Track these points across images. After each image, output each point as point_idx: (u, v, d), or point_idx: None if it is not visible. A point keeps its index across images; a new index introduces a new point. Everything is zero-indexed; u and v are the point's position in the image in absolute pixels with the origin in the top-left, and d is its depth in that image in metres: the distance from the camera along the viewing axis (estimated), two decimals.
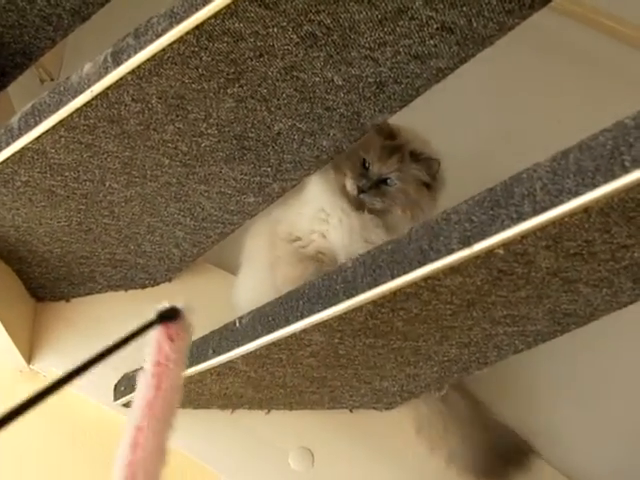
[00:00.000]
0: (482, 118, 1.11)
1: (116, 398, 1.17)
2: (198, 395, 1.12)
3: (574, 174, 0.60)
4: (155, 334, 0.62)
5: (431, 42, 0.80)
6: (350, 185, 1.06)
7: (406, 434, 1.21)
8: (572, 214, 0.61)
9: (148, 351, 0.63)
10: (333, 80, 0.86)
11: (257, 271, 1.19)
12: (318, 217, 1.10)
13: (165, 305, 0.65)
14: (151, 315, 0.60)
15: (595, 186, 0.59)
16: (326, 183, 1.09)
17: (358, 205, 1.07)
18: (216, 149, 0.96)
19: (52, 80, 1.50)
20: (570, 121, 1.36)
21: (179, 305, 0.66)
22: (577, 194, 0.60)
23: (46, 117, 0.90)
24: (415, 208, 1.09)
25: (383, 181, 1.07)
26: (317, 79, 0.85)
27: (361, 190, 1.06)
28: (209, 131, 0.93)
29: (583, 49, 1.53)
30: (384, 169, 1.06)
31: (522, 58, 1.28)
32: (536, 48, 1.38)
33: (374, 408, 1.22)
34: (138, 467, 0.53)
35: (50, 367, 1.20)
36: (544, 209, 0.62)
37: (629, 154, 0.56)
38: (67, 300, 1.28)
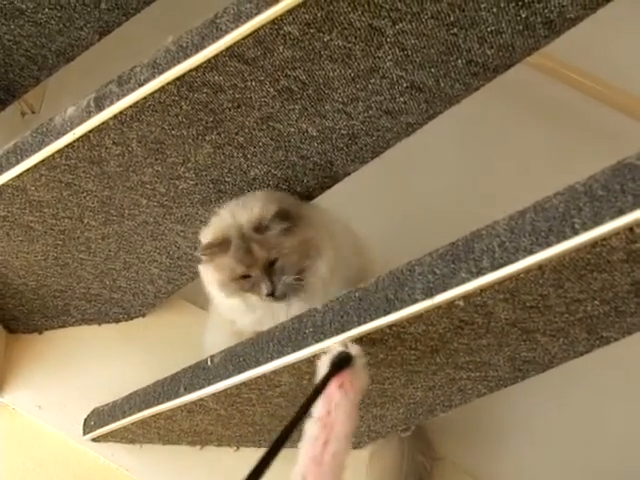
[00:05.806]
0: (452, 168, 1.15)
1: (85, 432, 1.17)
2: (168, 431, 1.12)
3: (529, 233, 0.64)
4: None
5: (401, 99, 0.84)
6: (262, 298, 0.96)
7: None
8: (527, 271, 0.65)
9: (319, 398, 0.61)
10: (307, 131, 0.89)
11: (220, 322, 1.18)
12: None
13: (338, 350, 0.64)
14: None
15: (548, 245, 0.62)
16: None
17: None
18: (193, 192, 0.99)
19: (33, 113, 1.52)
20: (538, 171, 1.42)
21: (352, 351, 0.66)
22: (532, 252, 0.63)
23: (28, 156, 0.92)
24: (309, 251, 0.97)
25: (273, 263, 0.95)
26: (292, 129, 0.89)
27: (274, 294, 0.96)
28: (187, 174, 0.96)
29: (552, 101, 1.60)
30: (270, 254, 0.94)
31: (492, 108, 1.34)
32: (505, 99, 1.43)
33: None
34: None
35: (20, 400, 1.20)
36: (501, 265, 0.65)
37: (579, 217, 0.60)
38: (40, 332, 1.28)
